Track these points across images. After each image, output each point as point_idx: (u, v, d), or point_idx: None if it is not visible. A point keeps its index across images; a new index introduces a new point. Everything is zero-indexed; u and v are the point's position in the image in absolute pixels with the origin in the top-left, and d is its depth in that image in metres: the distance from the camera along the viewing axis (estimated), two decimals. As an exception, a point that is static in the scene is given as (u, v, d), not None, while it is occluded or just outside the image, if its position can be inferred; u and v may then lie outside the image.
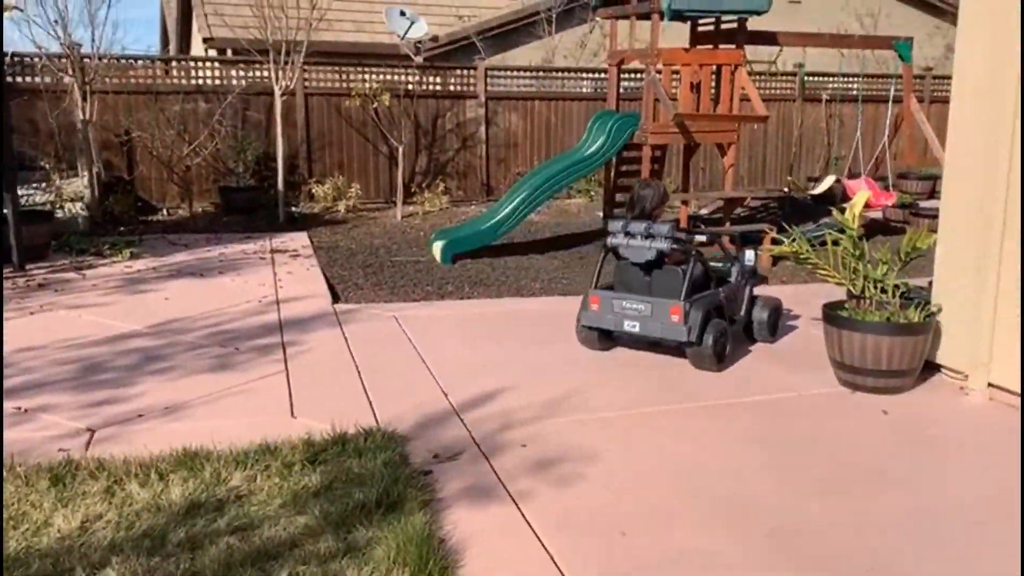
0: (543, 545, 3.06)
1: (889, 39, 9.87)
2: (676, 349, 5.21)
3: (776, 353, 5.45)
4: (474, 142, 12.43)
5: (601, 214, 10.17)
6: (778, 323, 5.71)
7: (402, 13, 14.11)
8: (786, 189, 11.98)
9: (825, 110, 13.58)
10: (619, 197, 10.08)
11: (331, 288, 7.07)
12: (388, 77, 11.86)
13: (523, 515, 3.28)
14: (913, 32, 11.60)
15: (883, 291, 4.96)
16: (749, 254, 5.72)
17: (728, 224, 9.33)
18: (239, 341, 5.52)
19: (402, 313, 6.29)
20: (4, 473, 3.47)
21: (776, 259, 8.39)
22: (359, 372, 4.95)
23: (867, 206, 9.93)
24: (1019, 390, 4.43)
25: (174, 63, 12.43)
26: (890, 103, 10.85)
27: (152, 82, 11.13)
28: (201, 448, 3.71)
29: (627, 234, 5.23)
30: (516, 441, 3.96)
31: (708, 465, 3.76)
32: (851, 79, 13.47)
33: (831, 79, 13.79)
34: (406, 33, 13.94)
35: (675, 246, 5.15)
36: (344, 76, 11.83)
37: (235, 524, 3.11)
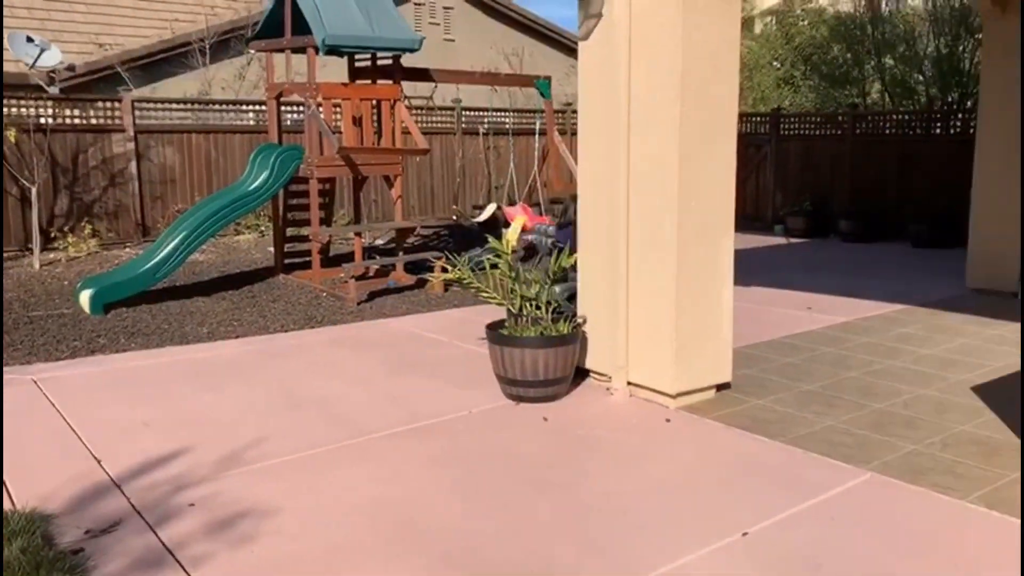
0: (215, 609, 2.88)
1: (531, 78, 10.83)
2: None
3: (446, 375, 5.67)
4: (124, 179, 11.44)
5: (272, 250, 9.90)
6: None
7: (29, 39, 12.62)
8: (454, 218, 12.60)
9: (483, 142, 14.52)
10: (290, 231, 9.91)
11: (-50, 354, 6.06)
12: (16, 111, 10.52)
13: (194, 581, 3.06)
14: (553, 71, 12.88)
15: (537, 308, 5.40)
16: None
17: (402, 253, 9.56)
18: None
19: (43, 375, 5.58)
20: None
21: (448, 284, 8.79)
22: (-11, 449, 4.29)
23: (525, 230, 10.79)
24: (652, 385, 5.06)
25: None
26: (536, 135, 11.91)
27: None
28: None
29: None
30: (186, 503, 3.69)
31: (388, 495, 3.80)
32: (503, 113, 14.57)
33: (486, 113, 14.80)
34: (36, 61, 12.49)
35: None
36: (-43, 109, 10.27)
37: None
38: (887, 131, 13.29)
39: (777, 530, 3.43)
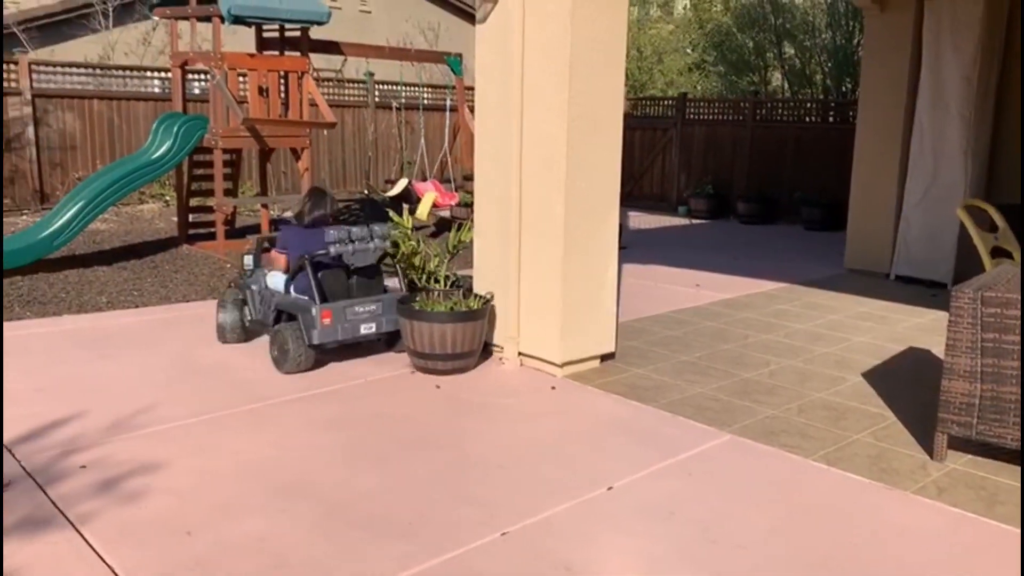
0: (103, 560, 3.02)
1: (441, 54, 10.94)
2: (387, 343, 5.68)
3: (352, 346, 5.83)
4: (21, 144, 11.09)
5: (176, 220, 9.79)
6: None
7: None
8: (365, 191, 12.64)
9: (396, 117, 14.55)
10: (196, 202, 9.83)
11: None
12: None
13: (82, 536, 3.18)
14: (469, 46, 12.97)
15: (436, 281, 5.61)
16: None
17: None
18: None
19: (-69, 342, 5.50)
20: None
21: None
22: None
23: (435, 205, 10.96)
24: (541, 355, 5.34)
25: None
26: (447, 112, 12.03)
27: None
28: None
29: (352, 240, 5.44)
30: (76, 465, 3.79)
31: (276, 457, 3.97)
32: (416, 88, 14.62)
33: (402, 88, 14.82)
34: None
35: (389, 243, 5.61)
36: None
37: None
38: (785, 118, 13.93)
39: (639, 484, 3.76)
